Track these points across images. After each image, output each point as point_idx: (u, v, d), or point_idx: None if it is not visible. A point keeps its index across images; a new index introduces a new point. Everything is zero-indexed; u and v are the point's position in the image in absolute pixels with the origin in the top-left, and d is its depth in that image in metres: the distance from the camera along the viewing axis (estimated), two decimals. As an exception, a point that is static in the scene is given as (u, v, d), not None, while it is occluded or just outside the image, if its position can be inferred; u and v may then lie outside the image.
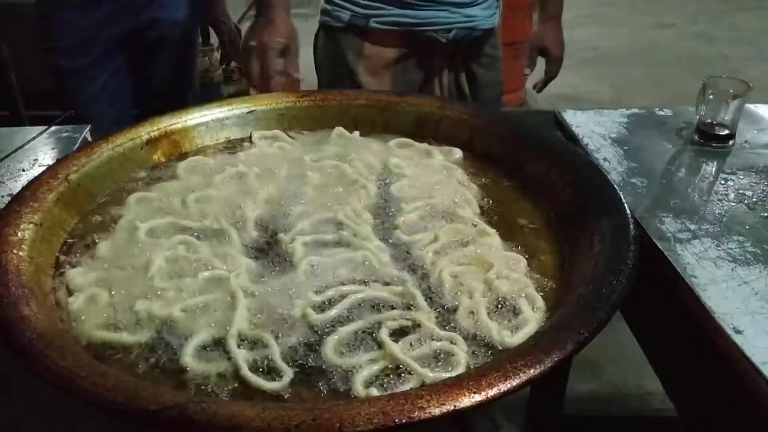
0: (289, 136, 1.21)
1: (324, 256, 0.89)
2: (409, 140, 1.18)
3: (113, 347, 0.75)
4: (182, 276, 0.85)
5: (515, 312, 0.80)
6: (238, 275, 0.84)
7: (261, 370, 0.72)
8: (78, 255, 0.89)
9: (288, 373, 0.71)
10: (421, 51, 1.52)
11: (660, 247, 0.92)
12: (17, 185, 1.04)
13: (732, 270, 0.87)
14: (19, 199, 0.90)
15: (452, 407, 0.59)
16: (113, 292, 0.81)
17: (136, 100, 1.94)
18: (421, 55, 1.53)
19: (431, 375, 0.70)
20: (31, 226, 0.86)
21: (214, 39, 2.07)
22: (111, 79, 1.84)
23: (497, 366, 0.63)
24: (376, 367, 0.71)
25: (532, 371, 0.62)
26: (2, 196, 1.04)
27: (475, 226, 0.95)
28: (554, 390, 1.59)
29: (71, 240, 0.93)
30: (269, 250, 0.92)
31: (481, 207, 1.01)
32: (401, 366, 0.71)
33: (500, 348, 0.74)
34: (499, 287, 0.82)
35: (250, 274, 0.86)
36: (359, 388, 0.68)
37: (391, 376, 0.71)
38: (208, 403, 0.59)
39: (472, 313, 0.79)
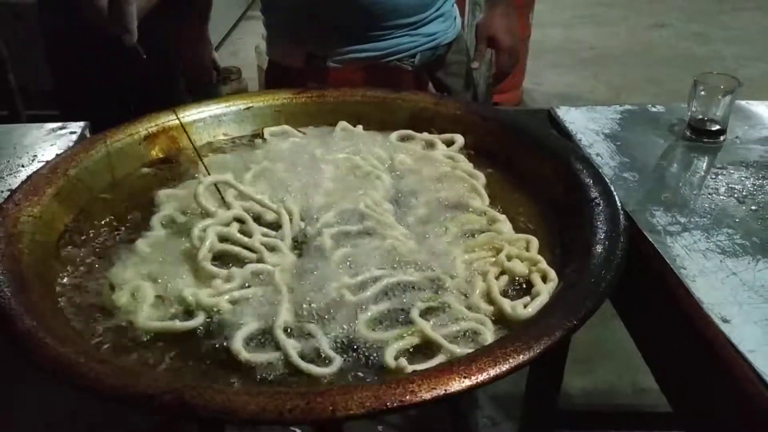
0: (299, 131, 1.21)
1: (353, 246, 0.90)
2: (410, 132, 1.19)
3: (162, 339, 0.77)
4: (230, 263, 0.87)
5: (529, 287, 0.82)
6: (282, 270, 0.85)
7: (310, 358, 0.73)
8: (75, 246, 0.91)
9: (337, 360, 0.72)
10: (386, 82, 1.41)
11: (650, 239, 0.93)
12: (16, 181, 1.06)
13: (721, 261, 0.89)
14: (18, 193, 0.91)
15: (443, 392, 0.60)
16: (158, 283, 0.84)
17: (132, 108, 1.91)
18: (385, 84, 1.38)
19: (459, 350, 0.72)
20: (30, 218, 0.88)
21: (212, 38, 2.04)
22: (106, 86, 1.69)
23: (487, 352, 0.64)
24: (405, 342, 0.74)
25: (521, 357, 0.63)
26: (1, 191, 1.05)
27: (485, 214, 0.97)
28: (550, 385, 1.60)
29: (70, 232, 0.94)
30: (302, 243, 0.93)
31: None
32: (431, 343, 0.74)
33: (517, 322, 0.77)
34: (512, 268, 0.85)
35: (292, 269, 0.87)
36: (389, 360, 0.71)
37: (421, 351, 0.74)
38: (204, 388, 0.60)
39: (486, 294, 0.82)
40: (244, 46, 3.97)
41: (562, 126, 1.28)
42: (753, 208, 1.01)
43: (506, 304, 0.78)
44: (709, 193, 1.05)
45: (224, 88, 3.14)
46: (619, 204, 0.89)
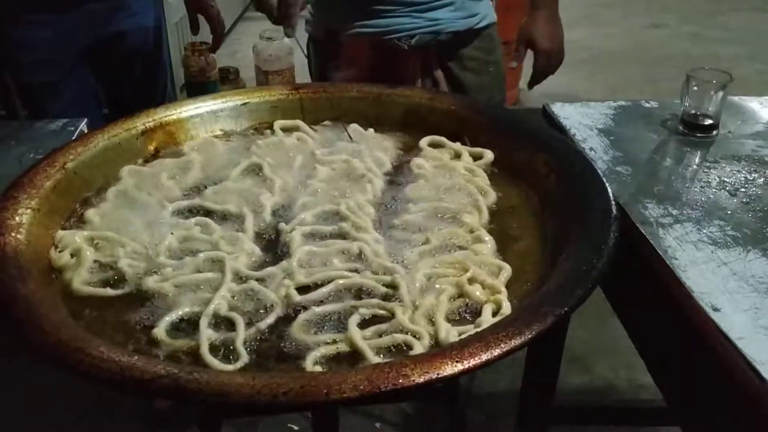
0: (312, 128, 1.22)
1: (320, 246, 0.90)
2: (442, 138, 1.17)
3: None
4: (184, 254, 0.89)
5: (476, 316, 0.79)
6: (236, 258, 0.86)
7: (222, 351, 0.74)
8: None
9: (243, 358, 0.72)
10: (391, 60, 1.45)
11: (642, 231, 0.94)
12: (14, 174, 1.06)
13: (712, 252, 0.90)
14: (17, 186, 0.92)
15: (435, 375, 0.61)
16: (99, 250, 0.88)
17: (109, 111, 1.90)
18: (392, 65, 1.45)
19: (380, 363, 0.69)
20: (28, 211, 0.89)
21: (208, 37, 2.03)
22: (80, 93, 1.76)
23: (480, 337, 0.65)
24: (332, 348, 0.73)
25: (513, 342, 0.64)
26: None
27: (473, 232, 0.93)
28: (546, 381, 1.61)
29: (67, 225, 0.95)
30: (274, 239, 0.94)
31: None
32: (358, 351, 0.73)
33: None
34: (470, 292, 0.81)
35: (252, 260, 0.88)
36: (309, 365, 0.71)
37: (346, 359, 0.73)
38: (200, 372, 0.61)
39: (429, 313, 0.79)
40: (242, 46, 3.98)
41: (557, 121, 1.29)
42: (744, 200, 1.02)
43: (443, 328, 0.75)
44: (702, 186, 1.06)
45: (222, 88, 3.15)
46: (611, 194, 0.90)
